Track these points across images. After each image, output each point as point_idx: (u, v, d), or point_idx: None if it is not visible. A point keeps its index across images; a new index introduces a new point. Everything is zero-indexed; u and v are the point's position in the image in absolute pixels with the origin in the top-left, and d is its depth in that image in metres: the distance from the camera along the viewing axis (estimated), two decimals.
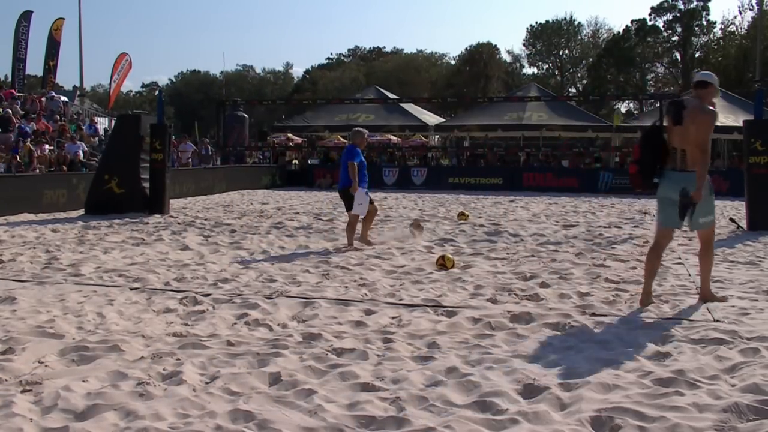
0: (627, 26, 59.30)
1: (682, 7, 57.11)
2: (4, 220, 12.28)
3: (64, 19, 28.65)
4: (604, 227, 12.46)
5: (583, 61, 65.73)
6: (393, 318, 5.54)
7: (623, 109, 60.59)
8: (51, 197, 14.27)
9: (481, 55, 62.87)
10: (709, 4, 59.12)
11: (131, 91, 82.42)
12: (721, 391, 3.80)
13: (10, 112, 19.23)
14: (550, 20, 66.19)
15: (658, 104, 33.49)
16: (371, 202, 9.67)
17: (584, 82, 64.46)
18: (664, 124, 5.97)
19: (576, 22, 66.31)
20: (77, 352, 4.48)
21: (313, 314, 5.62)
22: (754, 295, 6.39)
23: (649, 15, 58.33)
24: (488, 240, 10.43)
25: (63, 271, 7.46)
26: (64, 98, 27.51)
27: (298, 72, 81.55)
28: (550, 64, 68.64)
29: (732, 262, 8.37)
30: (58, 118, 22.41)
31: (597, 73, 59.76)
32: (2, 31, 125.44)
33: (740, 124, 12.50)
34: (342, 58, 78.81)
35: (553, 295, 6.39)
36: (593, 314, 5.63)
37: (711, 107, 5.75)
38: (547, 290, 6.59)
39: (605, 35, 64.50)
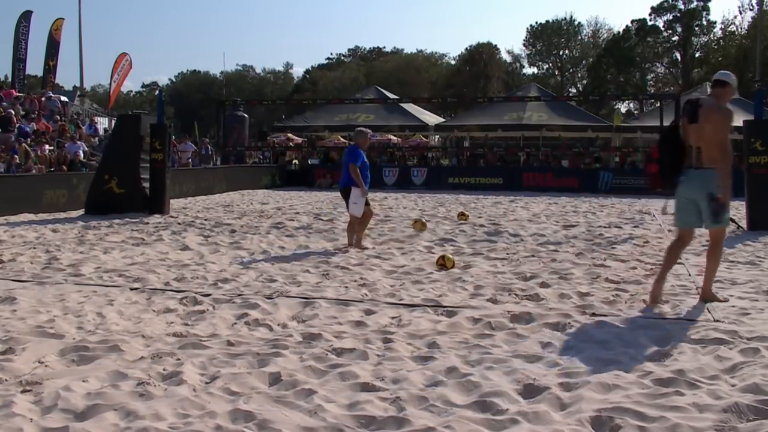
0: (627, 26, 59.37)
1: (682, 7, 57.12)
2: (5, 220, 12.28)
3: (63, 19, 28.66)
4: (604, 227, 12.47)
5: (583, 61, 65.75)
6: (393, 318, 5.54)
7: (623, 109, 60.67)
8: (51, 197, 14.27)
9: (481, 55, 62.87)
10: (709, 4, 59.18)
11: (131, 91, 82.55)
12: (722, 391, 3.80)
13: (12, 112, 19.22)
14: (550, 20, 66.29)
15: (659, 104, 33.54)
16: (367, 204, 9.54)
17: (584, 82, 64.47)
18: (681, 123, 6.01)
19: (576, 22, 66.39)
20: (77, 352, 4.48)
21: (313, 314, 5.62)
22: (755, 295, 6.39)
23: (649, 15, 58.37)
24: (488, 240, 10.43)
25: (63, 271, 7.46)
26: (64, 98, 27.52)
27: (298, 72, 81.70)
28: (550, 64, 68.66)
29: (732, 262, 8.36)
30: (58, 118, 22.41)
31: (597, 73, 59.77)
32: (2, 31, 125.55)
33: (740, 124, 12.50)
34: (342, 58, 78.83)
35: (553, 295, 6.39)
36: (593, 314, 5.63)
37: (726, 106, 5.81)
38: (547, 290, 6.59)
39: (605, 35, 64.55)
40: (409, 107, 36.17)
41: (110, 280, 6.98)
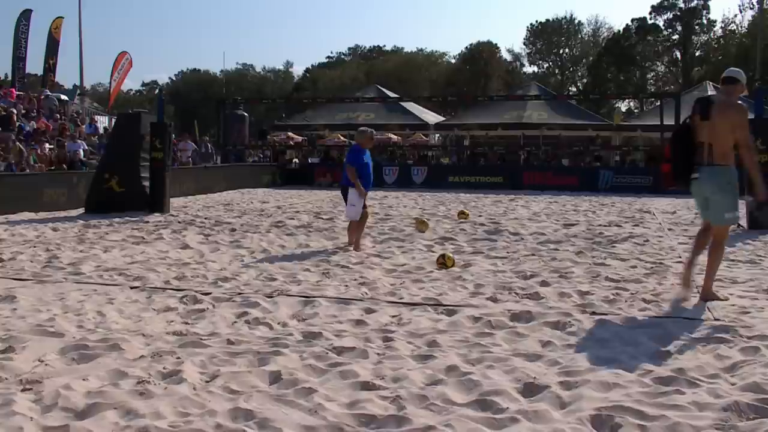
0: (627, 25, 59.45)
1: (682, 5, 57.16)
2: (5, 219, 12.27)
3: (63, 17, 28.63)
4: (605, 226, 12.46)
5: (584, 60, 65.78)
6: (393, 317, 5.54)
7: (623, 108, 60.64)
8: (51, 196, 14.26)
9: (482, 53, 62.91)
10: (710, 3, 59.32)
11: (131, 89, 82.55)
12: (721, 390, 3.80)
13: (14, 111, 19.21)
14: (551, 19, 66.35)
15: (659, 103, 33.55)
16: (365, 207, 9.35)
17: (584, 80, 64.49)
18: (692, 120, 6.06)
19: (576, 21, 66.43)
20: (77, 351, 4.47)
21: (314, 313, 5.62)
22: (755, 294, 6.39)
23: (650, 14, 58.44)
24: (488, 239, 10.43)
25: (63, 269, 7.46)
26: (64, 97, 27.51)
27: (298, 71, 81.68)
28: (551, 63, 68.67)
29: (732, 260, 8.36)
30: (58, 116, 22.41)
31: (597, 72, 59.81)
32: (2, 29, 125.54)
33: None
34: (342, 56, 78.82)
35: (553, 293, 6.39)
36: (593, 313, 5.63)
37: (739, 102, 5.90)
38: (548, 289, 6.59)
39: (605, 34, 64.56)
40: (410, 106, 36.18)
41: (110, 279, 6.98)
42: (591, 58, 63.12)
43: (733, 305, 5.89)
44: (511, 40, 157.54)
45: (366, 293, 6.38)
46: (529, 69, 70.00)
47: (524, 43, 68.33)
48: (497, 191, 22.34)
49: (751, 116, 13.28)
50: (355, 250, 9.07)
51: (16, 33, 26.25)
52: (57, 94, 26.84)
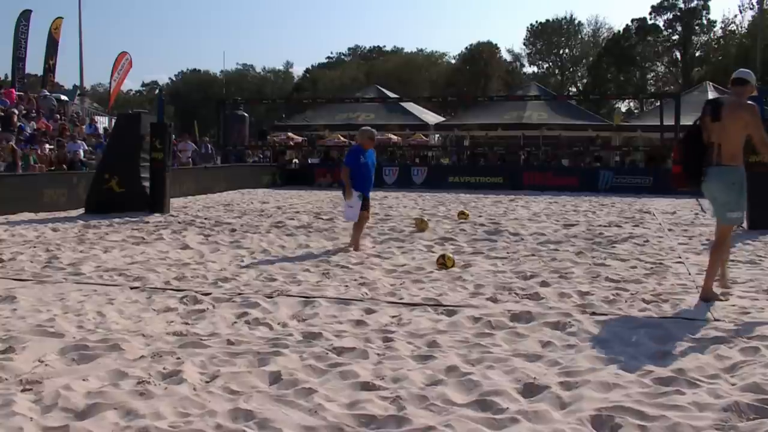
0: (627, 25, 59.45)
1: (682, 6, 57.15)
2: (5, 219, 12.27)
3: (63, 18, 28.63)
4: (605, 226, 12.46)
5: (584, 60, 65.78)
6: (393, 317, 5.54)
7: (623, 108, 60.65)
8: (51, 196, 14.25)
9: (482, 54, 62.91)
10: (710, 3, 59.26)
11: (131, 90, 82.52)
12: (721, 390, 3.80)
13: (15, 112, 19.21)
14: (551, 19, 66.33)
15: (659, 103, 33.56)
16: (367, 208, 9.29)
17: (584, 81, 64.49)
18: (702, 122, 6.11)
19: (576, 21, 66.42)
20: (77, 351, 4.47)
21: (314, 313, 5.62)
22: (755, 294, 6.39)
23: (650, 14, 58.44)
24: (488, 239, 10.43)
25: (63, 270, 7.46)
26: (64, 97, 27.50)
27: (298, 71, 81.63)
28: (551, 63, 68.67)
29: (732, 261, 8.34)
30: (58, 117, 22.40)
31: (597, 72, 59.82)
32: (2, 30, 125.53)
33: None
34: (342, 57, 78.82)
35: (553, 294, 6.39)
36: (593, 313, 5.63)
37: (749, 102, 5.95)
38: (548, 289, 6.59)
39: (605, 34, 64.56)
40: (410, 106, 36.19)
41: (110, 279, 6.98)
42: (591, 59, 63.12)
43: (733, 305, 5.89)
44: (511, 40, 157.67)
45: (366, 294, 6.38)
46: (529, 69, 70.11)
47: (524, 44, 68.41)
48: (497, 191, 22.34)
49: None
50: (354, 250, 9.05)
51: (16, 33, 26.25)
52: (57, 94, 26.83)
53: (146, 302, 5.95)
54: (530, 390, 3.85)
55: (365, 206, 9.26)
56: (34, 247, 9.08)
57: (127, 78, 32.58)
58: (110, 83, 32.22)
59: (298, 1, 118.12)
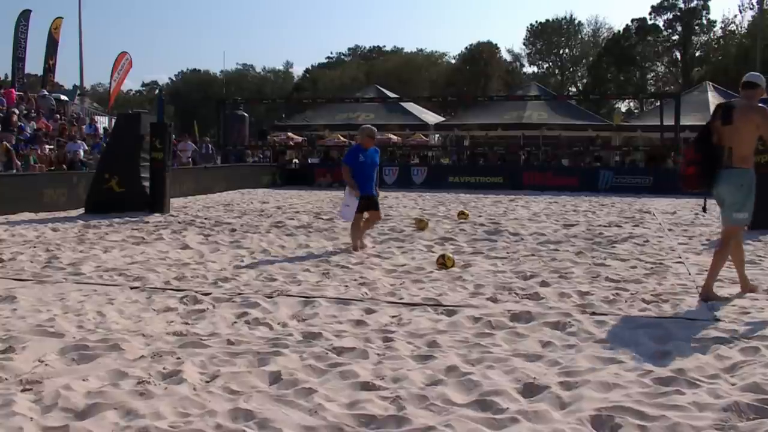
0: (627, 25, 59.47)
1: (682, 6, 57.16)
2: (5, 219, 12.27)
3: (62, 18, 28.63)
4: (605, 226, 12.46)
5: (584, 60, 65.77)
6: (393, 317, 5.54)
7: (623, 108, 60.65)
8: (51, 196, 14.26)
9: (482, 54, 62.90)
10: (710, 3, 59.28)
11: (131, 90, 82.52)
12: (721, 390, 3.80)
13: (16, 112, 19.21)
14: (551, 19, 66.34)
15: (659, 103, 33.55)
16: (377, 207, 9.27)
17: (584, 81, 64.49)
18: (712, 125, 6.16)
19: (576, 21, 66.43)
20: (77, 351, 4.47)
21: (314, 313, 5.62)
22: (755, 294, 6.39)
23: (650, 14, 58.45)
24: (488, 239, 10.43)
25: (63, 270, 7.45)
26: (63, 97, 27.49)
27: (298, 71, 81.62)
28: (551, 63, 68.67)
29: (732, 260, 8.35)
30: (58, 117, 22.39)
31: (597, 72, 59.83)
32: (2, 30, 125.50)
33: None
34: (342, 57, 78.80)
35: (553, 294, 6.39)
36: (593, 313, 5.63)
37: (760, 105, 6.02)
38: (548, 289, 6.59)
39: (605, 34, 64.56)
40: (410, 106, 36.19)
41: (110, 279, 6.98)
42: (591, 59, 63.12)
43: (734, 305, 5.90)
44: (511, 40, 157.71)
45: (366, 293, 6.38)
46: (529, 69, 70.12)
47: (524, 44, 68.41)
48: (497, 191, 22.34)
49: None
50: (354, 250, 9.03)
51: (16, 33, 26.25)
52: (57, 94, 26.83)
53: (146, 302, 5.95)
54: (530, 390, 3.85)
55: (374, 206, 9.23)
56: (34, 247, 9.08)
57: (127, 78, 32.62)
58: (110, 83, 32.22)
59: (298, 1, 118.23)
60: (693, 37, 58.10)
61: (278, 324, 5.31)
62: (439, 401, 3.66)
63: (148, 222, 12.30)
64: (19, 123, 18.86)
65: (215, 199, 18.46)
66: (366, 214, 9.29)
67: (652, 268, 7.90)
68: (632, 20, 58.92)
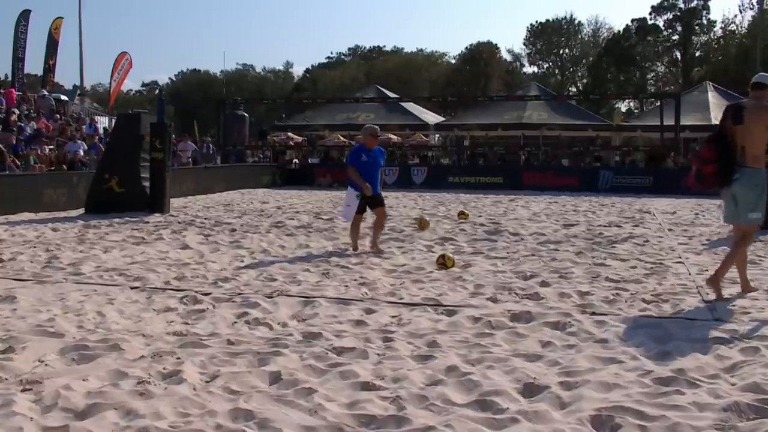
0: (627, 25, 59.43)
1: (682, 6, 57.13)
2: (5, 219, 12.27)
3: (63, 18, 28.64)
4: (605, 226, 12.46)
5: (584, 60, 65.74)
6: (393, 317, 5.54)
7: (623, 108, 60.64)
8: (51, 196, 14.25)
9: (482, 54, 62.86)
10: (710, 3, 59.26)
11: (131, 90, 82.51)
12: (721, 390, 3.80)
13: (17, 111, 19.21)
14: (551, 19, 66.29)
15: (659, 103, 33.55)
16: (382, 204, 9.20)
17: (584, 81, 64.47)
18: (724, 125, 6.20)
19: (576, 21, 66.39)
20: (77, 351, 4.47)
21: (314, 313, 5.62)
22: (755, 294, 6.39)
23: (650, 14, 58.42)
24: (488, 239, 10.43)
25: (63, 270, 7.45)
26: (63, 97, 27.48)
27: (298, 71, 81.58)
28: (551, 63, 68.65)
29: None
30: (58, 117, 22.39)
31: (597, 72, 59.80)
32: (2, 30, 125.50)
33: None
34: (342, 57, 78.77)
35: (553, 294, 6.39)
36: (593, 313, 5.63)
37: None
38: (548, 289, 6.59)
39: (605, 34, 64.54)
40: (410, 106, 36.20)
41: (110, 279, 6.97)
42: (591, 59, 63.09)
43: (734, 305, 5.90)
44: (511, 40, 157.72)
45: (366, 293, 6.38)
46: (529, 69, 70.08)
47: (524, 44, 68.38)
48: (497, 191, 22.34)
49: None
50: (354, 250, 9.04)
51: (16, 33, 26.25)
52: (57, 94, 26.83)
53: (146, 302, 5.95)
54: (530, 390, 3.85)
55: (380, 203, 9.17)
56: (34, 247, 9.08)
57: (127, 78, 32.60)
58: (110, 83, 32.22)
59: (298, 1, 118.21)
60: (693, 37, 58.08)
61: (278, 324, 5.31)
62: (439, 401, 3.66)
63: (148, 222, 12.30)
64: (19, 123, 18.87)
65: (215, 199, 18.46)
66: (365, 216, 9.20)
67: (652, 268, 7.90)
68: (632, 20, 58.95)
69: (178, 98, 69.67)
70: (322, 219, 13.18)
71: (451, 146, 37.07)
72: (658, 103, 34.76)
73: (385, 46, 78.26)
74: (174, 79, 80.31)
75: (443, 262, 7.83)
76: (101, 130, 24.01)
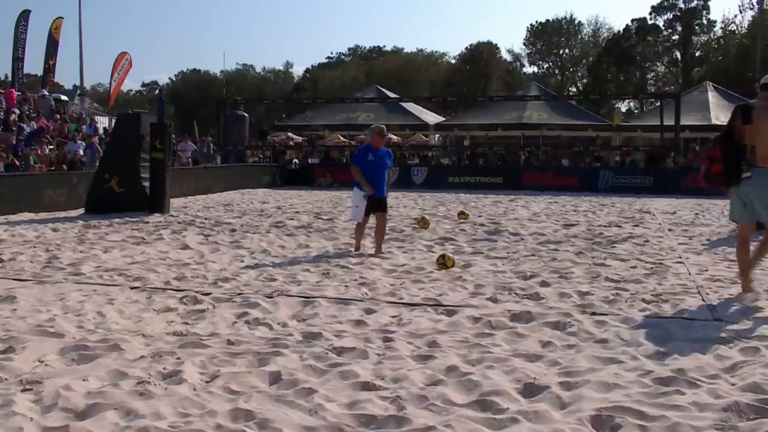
0: (627, 25, 59.39)
1: (682, 6, 57.11)
2: (5, 219, 12.27)
3: (63, 18, 28.64)
4: (605, 226, 12.46)
5: (584, 60, 65.71)
6: (393, 317, 5.54)
7: (623, 108, 60.62)
8: (51, 196, 14.26)
9: (482, 54, 62.84)
10: (710, 3, 59.18)
11: (131, 90, 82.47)
12: (721, 390, 3.80)
13: (17, 111, 19.22)
14: (551, 19, 66.23)
15: (659, 103, 33.55)
16: (384, 209, 9.04)
17: (584, 81, 64.44)
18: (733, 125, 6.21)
19: (576, 21, 66.34)
20: (77, 351, 4.47)
21: (314, 313, 5.62)
22: (754, 295, 6.38)
23: (650, 14, 58.38)
24: (488, 239, 10.43)
25: (63, 270, 7.45)
26: (63, 97, 27.48)
27: (298, 71, 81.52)
28: (551, 64, 68.61)
29: (733, 261, 8.32)
30: (58, 117, 22.40)
31: (597, 72, 59.78)
32: (2, 30, 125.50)
33: None
34: (342, 57, 78.76)
35: (553, 294, 6.39)
36: (593, 313, 5.63)
37: None
38: (548, 289, 6.59)
39: (605, 34, 64.51)
40: (410, 106, 36.20)
41: (110, 279, 6.97)
42: (591, 59, 63.06)
43: (734, 305, 5.90)
44: (511, 40, 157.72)
45: (366, 294, 6.38)
46: (529, 69, 70.02)
47: (524, 44, 68.32)
48: (497, 192, 22.34)
49: None
50: (355, 250, 9.03)
51: (16, 33, 26.25)
52: (57, 94, 26.82)
53: (146, 302, 5.95)
54: (530, 390, 3.85)
55: (382, 207, 9.01)
56: (34, 247, 9.08)
57: (127, 78, 32.61)
58: (110, 83, 32.22)
59: (298, 1, 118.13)
60: (693, 37, 58.05)
61: (278, 324, 5.31)
62: (439, 401, 3.65)
63: (148, 222, 12.30)
64: (19, 123, 18.87)
65: (215, 199, 18.46)
66: (373, 218, 9.02)
67: (652, 268, 7.90)
68: (632, 20, 58.91)
69: (178, 98, 69.64)
70: (322, 219, 13.19)
71: (451, 146, 37.07)
72: (658, 103, 34.76)
73: (385, 46, 78.32)
74: (174, 79, 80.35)
75: (443, 262, 7.83)
76: (101, 130, 24.00)
